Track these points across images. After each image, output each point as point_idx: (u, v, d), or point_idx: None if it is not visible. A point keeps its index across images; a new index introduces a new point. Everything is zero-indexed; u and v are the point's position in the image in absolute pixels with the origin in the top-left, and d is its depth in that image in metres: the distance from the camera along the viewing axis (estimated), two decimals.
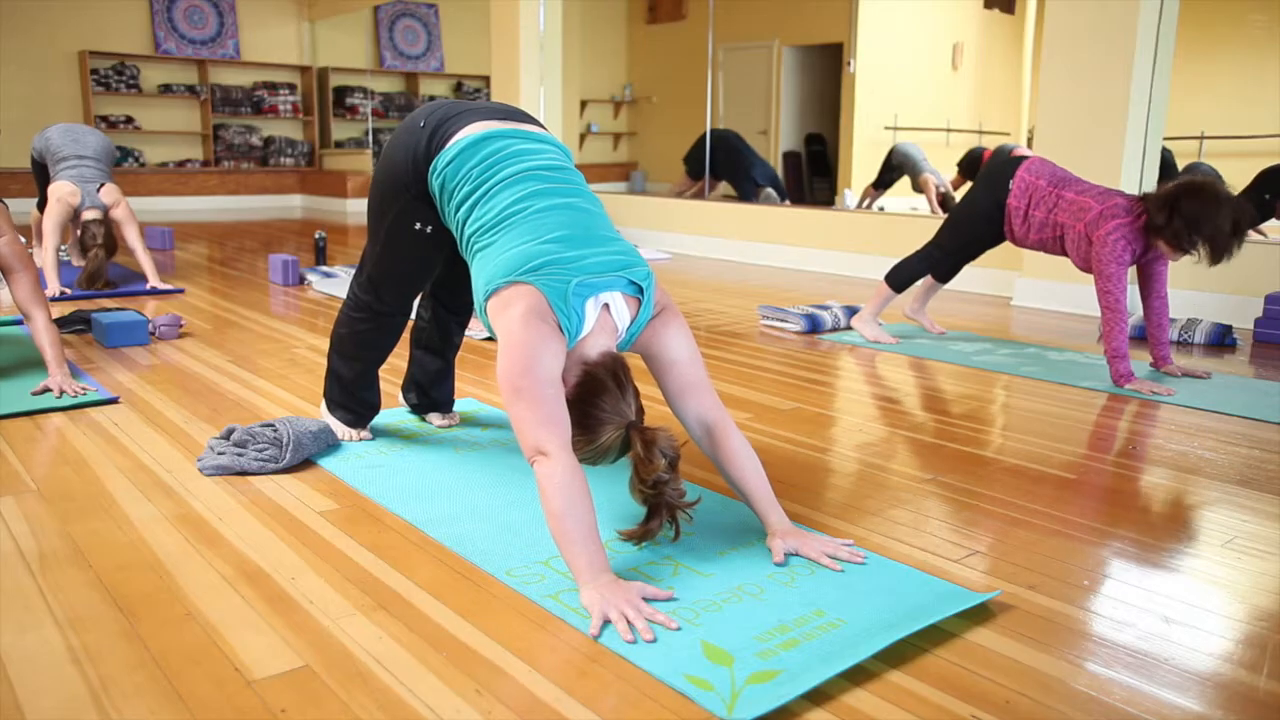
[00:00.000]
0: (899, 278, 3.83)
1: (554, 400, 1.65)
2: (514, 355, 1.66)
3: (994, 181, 3.52)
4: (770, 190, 7.51)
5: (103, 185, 4.74)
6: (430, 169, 2.01)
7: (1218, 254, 3.01)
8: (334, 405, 2.47)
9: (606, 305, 1.77)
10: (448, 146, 1.98)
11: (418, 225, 2.11)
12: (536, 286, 1.72)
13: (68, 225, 4.91)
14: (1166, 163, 6.42)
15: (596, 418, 1.69)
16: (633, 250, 1.87)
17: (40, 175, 4.99)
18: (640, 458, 1.66)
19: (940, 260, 3.76)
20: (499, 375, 1.68)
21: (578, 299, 1.73)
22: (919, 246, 3.87)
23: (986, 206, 3.53)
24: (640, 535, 1.71)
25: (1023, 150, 7.14)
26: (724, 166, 7.71)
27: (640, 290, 1.81)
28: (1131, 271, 3.85)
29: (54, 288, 4.47)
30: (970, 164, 8.20)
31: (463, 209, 1.93)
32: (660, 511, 1.69)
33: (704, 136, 7.89)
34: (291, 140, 11.55)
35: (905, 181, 8.19)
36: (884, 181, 8.17)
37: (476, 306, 1.87)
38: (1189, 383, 3.22)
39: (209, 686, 1.34)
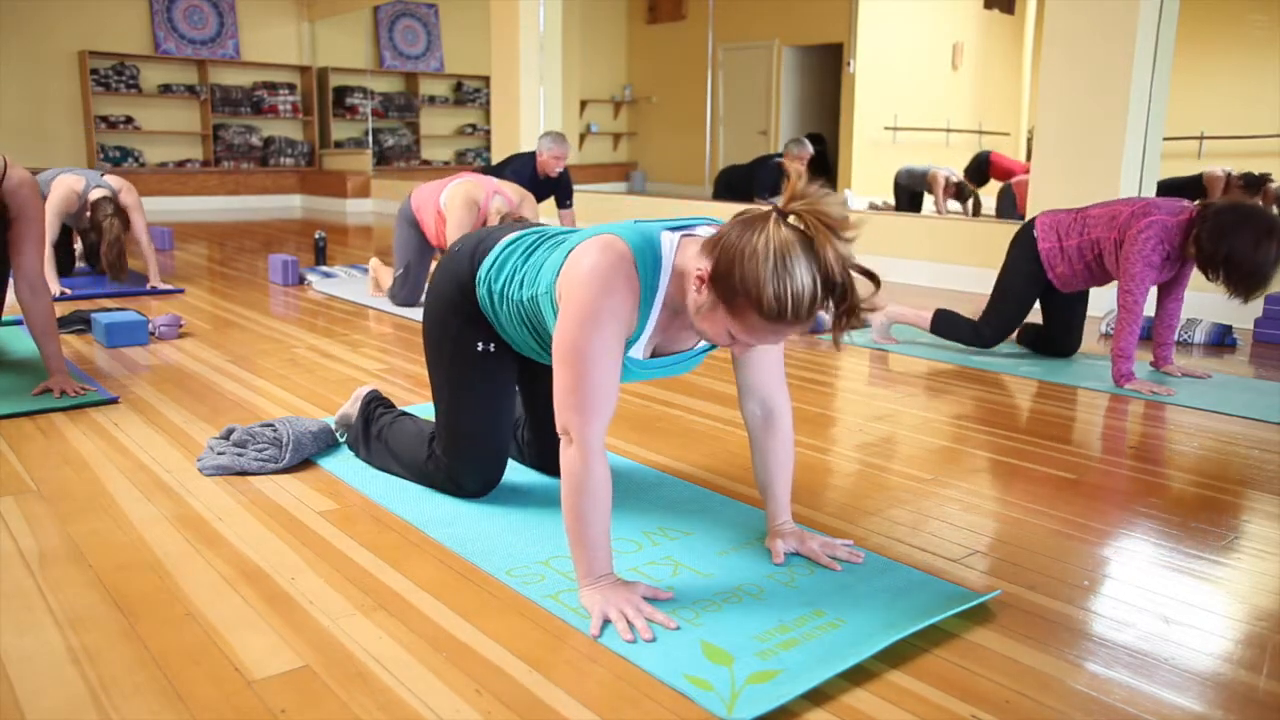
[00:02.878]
0: (941, 330, 3.62)
1: (600, 382, 1.52)
2: (570, 322, 1.52)
3: (1020, 242, 3.45)
4: (799, 139, 7.45)
5: (105, 174, 4.74)
6: (475, 281, 1.88)
7: (1240, 293, 2.93)
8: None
9: (687, 236, 1.61)
10: (490, 253, 1.88)
11: (480, 346, 1.93)
12: (608, 232, 1.57)
13: (72, 231, 4.88)
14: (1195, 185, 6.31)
15: (746, 237, 1.40)
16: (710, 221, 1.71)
17: None
18: (816, 219, 1.39)
19: (989, 340, 3.53)
20: (555, 333, 1.57)
21: (652, 231, 1.57)
22: (974, 315, 3.62)
23: (1027, 267, 3.42)
24: (844, 324, 1.45)
25: (1018, 175, 7.12)
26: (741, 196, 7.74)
27: None
28: None
29: (54, 287, 4.40)
30: (977, 169, 8.15)
31: (512, 288, 1.80)
32: (848, 278, 1.42)
33: (720, 175, 7.96)
34: (291, 140, 11.55)
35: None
36: (906, 208, 8.10)
37: (550, 310, 1.69)
38: (1189, 383, 3.22)
39: (209, 686, 1.34)
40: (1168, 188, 5.54)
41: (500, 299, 1.84)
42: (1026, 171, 7.20)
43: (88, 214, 4.58)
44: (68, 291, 4.53)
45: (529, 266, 1.78)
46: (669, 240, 1.59)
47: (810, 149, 7.17)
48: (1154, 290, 3.40)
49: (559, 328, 1.56)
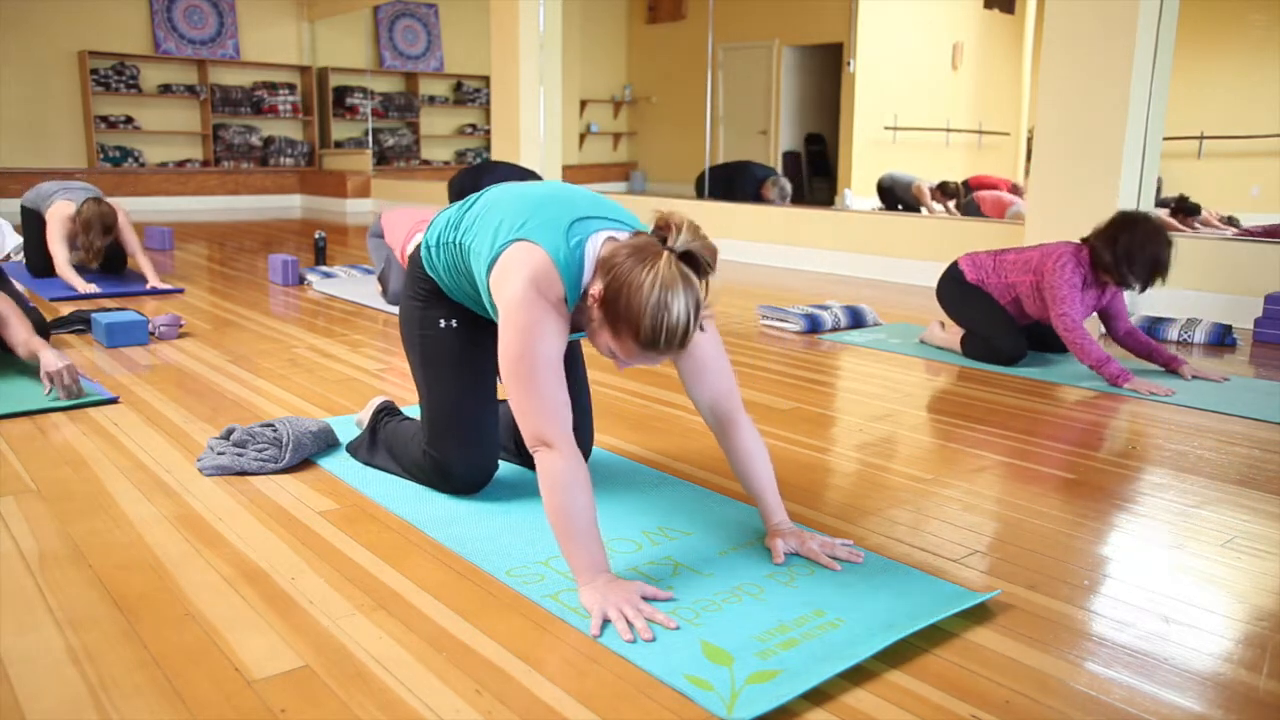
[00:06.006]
0: (969, 351, 3.56)
1: (553, 386, 1.61)
2: (511, 337, 1.62)
3: (950, 279, 3.61)
4: (783, 181, 7.54)
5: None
6: (423, 248, 2.01)
7: (1139, 279, 3.13)
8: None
9: (612, 237, 1.67)
10: (434, 217, 2.04)
11: (442, 323, 2.01)
12: (533, 241, 1.66)
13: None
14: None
15: (635, 271, 1.51)
16: (635, 220, 1.79)
17: (29, 223, 5.04)
18: (704, 250, 1.53)
19: (1004, 353, 3.44)
20: (499, 356, 1.65)
21: (577, 237, 1.66)
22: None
23: (970, 289, 3.54)
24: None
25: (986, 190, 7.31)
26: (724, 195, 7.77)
27: None
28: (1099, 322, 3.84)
29: (82, 287, 4.59)
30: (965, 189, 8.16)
31: (447, 232, 1.92)
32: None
33: (705, 174, 8.01)
34: (291, 140, 11.55)
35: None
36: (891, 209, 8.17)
37: (485, 298, 1.80)
38: (1189, 382, 3.21)
39: (209, 686, 1.34)
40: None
41: (438, 249, 1.95)
42: (1001, 188, 7.35)
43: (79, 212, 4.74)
44: (94, 288, 4.62)
45: (464, 219, 1.88)
46: (593, 245, 1.66)
47: (788, 190, 7.34)
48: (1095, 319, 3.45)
49: (502, 348, 1.64)
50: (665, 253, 1.52)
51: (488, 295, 1.76)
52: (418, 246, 2.05)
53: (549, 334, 1.62)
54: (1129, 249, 3.11)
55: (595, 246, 1.66)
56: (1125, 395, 3.07)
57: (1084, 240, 3.28)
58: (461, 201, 1.97)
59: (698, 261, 1.53)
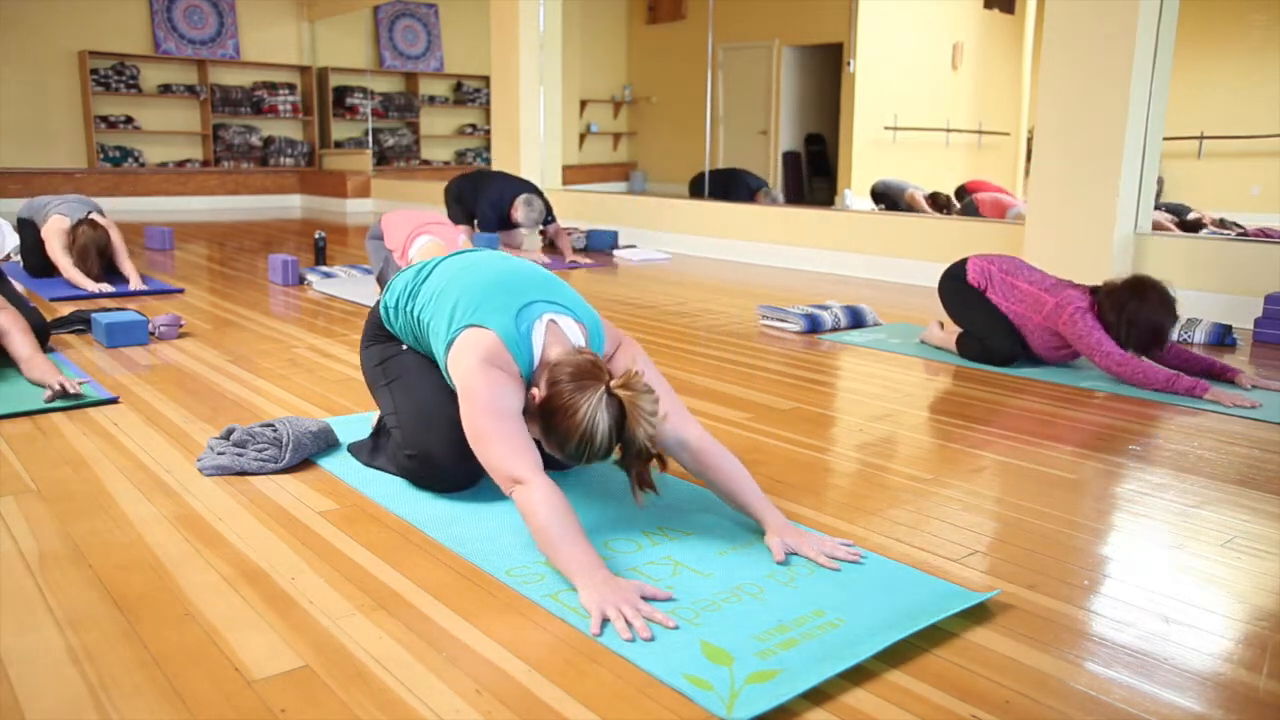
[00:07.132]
0: (965, 352, 3.57)
1: (517, 432, 1.74)
2: (472, 400, 1.77)
3: (954, 275, 3.63)
4: (775, 193, 7.75)
5: (91, 213, 4.99)
6: (382, 308, 2.20)
7: (1140, 348, 3.17)
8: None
9: (554, 321, 1.88)
10: (391, 281, 2.21)
11: (405, 346, 2.19)
12: (485, 326, 1.84)
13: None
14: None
15: (574, 397, 1.70)
16: (576, 299, 1.99)
17: (25, 231, 5.11)
18: (634, 409, 1.71)
19: (1000, 353, 3.46)
20: (464, 423, 1.78)
21: (525, 322, 1.86)
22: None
23: (972, 291, 3.55)
24: (633, 481, 1.80)
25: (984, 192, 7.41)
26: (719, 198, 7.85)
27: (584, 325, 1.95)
28: None
29: (93, 287, 4.66)
30: (960, 196, 8.19)
31: (413, 308, 2.08)
32: (650, 459, 1.78)
33: (704, 176, 8.09)
34: (291, 140, 11.55)
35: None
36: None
37: (444, 374, 1.97)
38: (1250, 391, 3.09)
39: (209, 686, 1.34)
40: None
41: (396, 312, 2.15)
42: (998, 191, 7.41)
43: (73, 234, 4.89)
44: (105, 287, 4.67)
45: (422, 290, 2.07)
46: (539, 329, 1.86)
47: (780, 202, 7.58)
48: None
49: (464, 414, 1.78)
50: (602, 387, 1.71)
51: (445, 370, 1.94)
52: (376, 305, 2.23)
53: (506, 393, 1.78)
54: (1134, 317, 3.12)
55: (541, 331, 1.86)
56: (1127, 395, 3.07)
57: (1093, 290, 3.26)
58: (419, 266, 2.15)
59: (633, 406, 1.71)
